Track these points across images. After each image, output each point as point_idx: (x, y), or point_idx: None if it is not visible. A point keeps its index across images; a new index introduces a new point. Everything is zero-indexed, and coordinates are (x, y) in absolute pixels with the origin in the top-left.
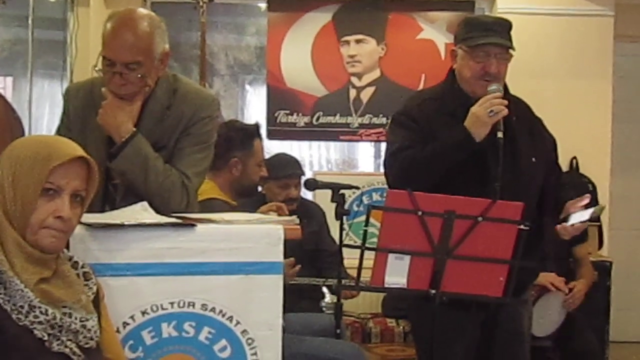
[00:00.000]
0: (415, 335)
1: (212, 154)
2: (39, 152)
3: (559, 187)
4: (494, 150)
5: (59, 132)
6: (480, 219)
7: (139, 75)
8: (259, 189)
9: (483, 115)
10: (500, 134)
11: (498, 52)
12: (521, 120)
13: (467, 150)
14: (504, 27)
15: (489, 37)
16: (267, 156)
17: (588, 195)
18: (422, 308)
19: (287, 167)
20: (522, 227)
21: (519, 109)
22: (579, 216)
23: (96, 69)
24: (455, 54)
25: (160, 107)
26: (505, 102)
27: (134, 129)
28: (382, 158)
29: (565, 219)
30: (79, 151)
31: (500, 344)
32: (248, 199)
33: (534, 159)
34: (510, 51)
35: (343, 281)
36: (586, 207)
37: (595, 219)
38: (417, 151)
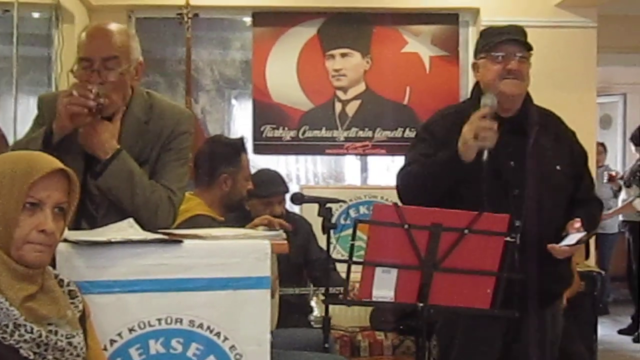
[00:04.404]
0: (440, 348)
1: (189, 169)
2: (18, 167)
3: (589, 201)
4: (507, 165)
5: (29, 132)
6: (466, 231)
7: (118, 72)
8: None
9: (468, 138)
10: (485, 155)
11: (516, 51)
12: (546, 129)
13: (457, 170)
14: (518, 29)
15: (505, 36)
16: (252, 171)
17: (579, 219)
18: (451, 324)
19: (270, 185)
20: (508, 238)
21: (544, 119)
22: (570, 239)
23: (73, 69)
24: (477, 67)
25: (137, 122)
26: (495, 125)
27: (118, 146)
28: (368, 171)
29: (564, 237)
30: (58, 164)
31: (521, 357)
32: (234, 214)
33: (558, 167)
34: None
35: (336, 289)
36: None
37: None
38: (416, 167)
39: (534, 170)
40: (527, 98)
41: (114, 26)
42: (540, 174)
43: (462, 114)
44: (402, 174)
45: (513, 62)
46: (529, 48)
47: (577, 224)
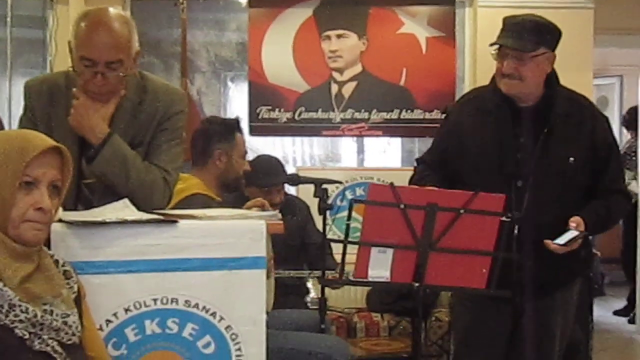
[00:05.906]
0: (454, 326)
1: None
2: (12, 146)
3: (611, 193)
4: (514, 157)
5: (21, 126)
6: (462, 211)
7: (120, 74)
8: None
9: None
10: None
11: (511, 53)
12: (568, 118)
13: None
14: (523, 26)
15: (501, 38)
16: (250, 153)
17: (578, 217)
18: (463, 302)
19: (270, 175)
20: (504, 218)
21: (571, 107)
22: (563, 237)
23: (75, 66)
24: None
25: (131, 104)
26: None
27: (109, 130)
28: (364, 153)
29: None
30: (52, 142)
31: (526, 337)
32: (232, 194)
33: (571, 159)
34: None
35: (331, 271)
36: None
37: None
38: (421, 172)
39: (542, 162)
40: (551, 87)
41: (115, 20)
42: (550, 165)
43: (483, 99)
44: (416, 169)
45: (505, 65)
46: (533, 47)
47: (573, 223)
